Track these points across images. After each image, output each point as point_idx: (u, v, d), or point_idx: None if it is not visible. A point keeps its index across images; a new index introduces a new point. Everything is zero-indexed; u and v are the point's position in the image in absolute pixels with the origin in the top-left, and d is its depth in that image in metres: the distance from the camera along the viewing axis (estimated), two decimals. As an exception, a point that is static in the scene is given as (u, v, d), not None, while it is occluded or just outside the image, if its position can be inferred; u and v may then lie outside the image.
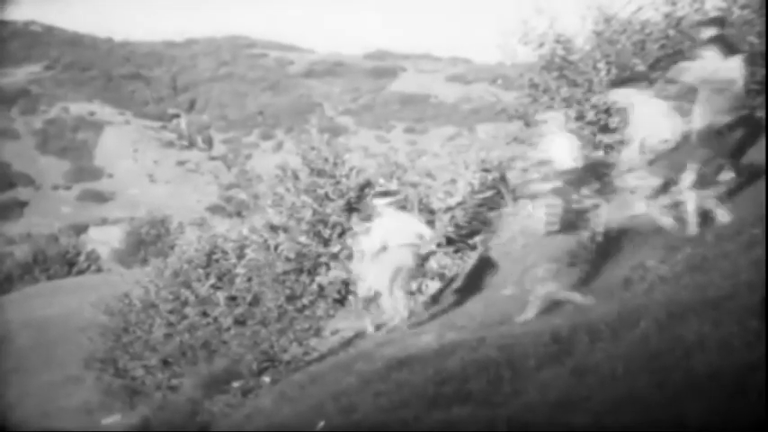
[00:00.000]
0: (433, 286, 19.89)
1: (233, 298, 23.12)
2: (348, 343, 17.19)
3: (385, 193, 14.13)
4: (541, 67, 21.99)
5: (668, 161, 11.16)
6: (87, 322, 30.20)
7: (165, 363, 25.65)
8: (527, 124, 22.86)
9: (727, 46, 11.34)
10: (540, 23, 22.02)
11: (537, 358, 7.46)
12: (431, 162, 25.71)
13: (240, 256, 25.95)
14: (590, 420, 5.40)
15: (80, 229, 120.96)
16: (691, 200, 11.66)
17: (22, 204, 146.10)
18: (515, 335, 9.06)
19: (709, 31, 11.40)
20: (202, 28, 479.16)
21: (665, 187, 11.33)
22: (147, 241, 70.39)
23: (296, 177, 24.33)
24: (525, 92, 22.65)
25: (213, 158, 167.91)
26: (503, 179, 23.76)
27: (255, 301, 22.16)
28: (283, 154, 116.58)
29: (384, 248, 14.18)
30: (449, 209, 20.74)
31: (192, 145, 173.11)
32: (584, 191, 11.29)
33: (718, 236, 9.57)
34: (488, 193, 21.24)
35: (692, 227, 11.08)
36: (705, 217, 10.93)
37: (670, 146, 11.27)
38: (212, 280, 26.36)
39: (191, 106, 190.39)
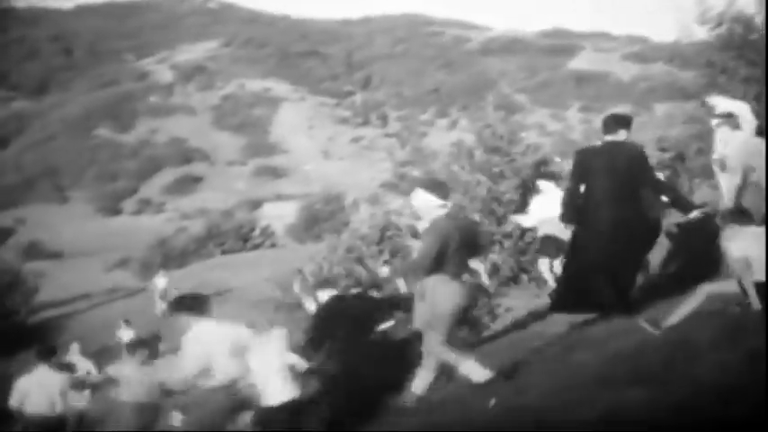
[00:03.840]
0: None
1: (406, 275, 23.31)
2: (521, 323, 17.02)
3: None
4: (719, 46, 21.47)
5: None
6: (262, 297, 30.74)
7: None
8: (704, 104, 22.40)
9: None
10: (717, 2, 21.52)
11: (711, 340, 7.32)
12: (606, 140, 25.28)
13: (413, 234, 26.13)
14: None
15: (255, 205, 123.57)
16: None
17: (197, 180, 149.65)
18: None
19: None
20: (379, 6, 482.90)
21: None
22: (321, 218, 71.32)
23: (471, 155, 24.38)
24: (702, 71, 22.18)
25: (387, 136, 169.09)
26: (680, 158, 23.31)
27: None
28: (458, 132, 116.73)
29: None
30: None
31: (366, 122, 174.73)
32: None
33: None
34: (665, 173, 20.77)
35: None
36: None
37: None
38: (386, 256, 26.59)
39: (366, 83, 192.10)
